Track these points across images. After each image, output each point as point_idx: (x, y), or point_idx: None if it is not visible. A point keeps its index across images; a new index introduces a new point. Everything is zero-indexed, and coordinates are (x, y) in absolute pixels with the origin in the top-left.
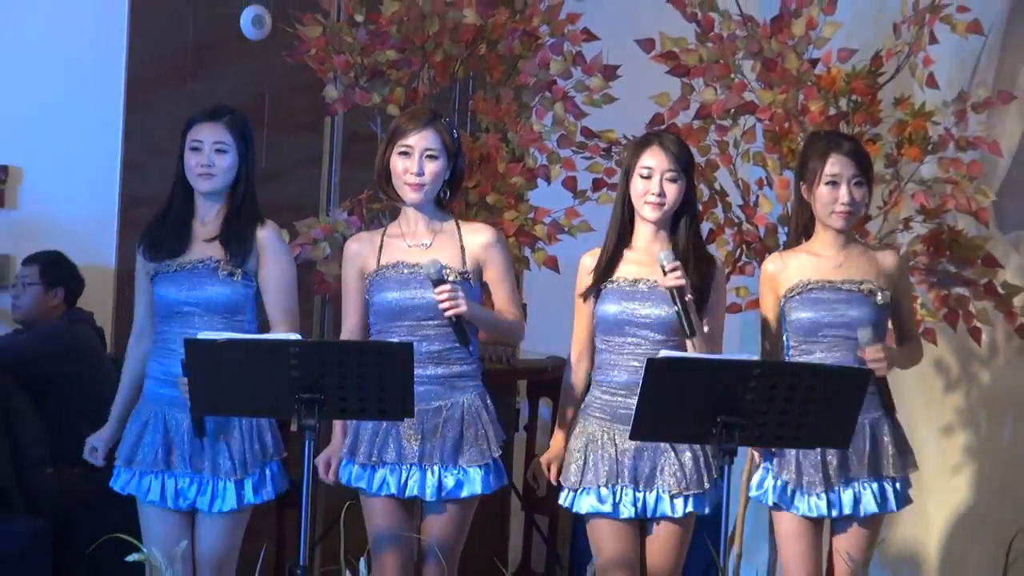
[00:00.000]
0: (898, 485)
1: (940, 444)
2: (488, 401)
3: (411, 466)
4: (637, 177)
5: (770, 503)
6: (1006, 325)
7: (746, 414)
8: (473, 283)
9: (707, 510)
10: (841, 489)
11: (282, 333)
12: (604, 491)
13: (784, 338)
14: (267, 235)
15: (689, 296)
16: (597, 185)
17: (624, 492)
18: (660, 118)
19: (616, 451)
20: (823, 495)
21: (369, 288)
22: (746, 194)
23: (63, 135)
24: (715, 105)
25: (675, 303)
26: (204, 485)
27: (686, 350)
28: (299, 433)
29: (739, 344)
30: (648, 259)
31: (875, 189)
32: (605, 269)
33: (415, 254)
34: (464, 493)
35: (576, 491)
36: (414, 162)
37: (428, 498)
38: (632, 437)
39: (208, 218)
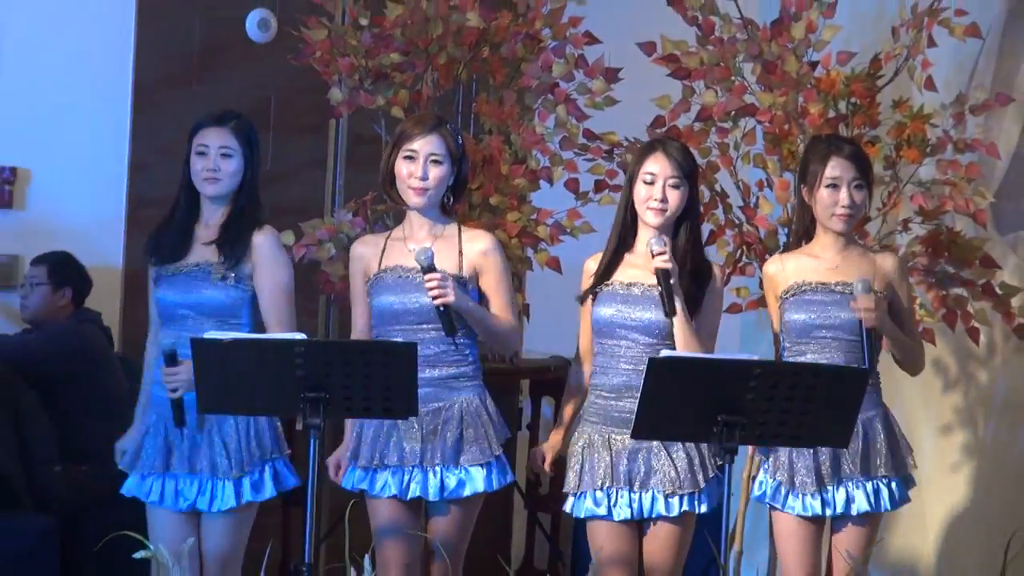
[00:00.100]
0: (893, 485)
1: (938, 443)
2: (488, 400)
3: (413, 468)
4: (640, 182)
5: (767, 502)
6: (1004, 325)
7: (746, 413)
8: (470, 288)
9: (703, 509)
10: (834, 489)
11: (286, 333)
12: (599, 494)
13: (782, 339)
14: (263, 240)
15: (674, 280)
16: (599, 187)
17: (620, 494)
18: (661, 120)
19: (611, 454)
20: (816, 495)
21: (370, 291)
22: (746, 196)
23: (71, 137)
24: (716, 107)
25: (659, 284)
26: (203, 485)
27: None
28: (304, 432)
29: (740, 344)
30: (647, 263)
31: (874, 191)
32: (604, 272)
33: (411, 258)
34: (466, 492)
35: (575, 495)
36: (418, 167)
37: (431, 498)
38: (633, 436)
39: (212, 221)
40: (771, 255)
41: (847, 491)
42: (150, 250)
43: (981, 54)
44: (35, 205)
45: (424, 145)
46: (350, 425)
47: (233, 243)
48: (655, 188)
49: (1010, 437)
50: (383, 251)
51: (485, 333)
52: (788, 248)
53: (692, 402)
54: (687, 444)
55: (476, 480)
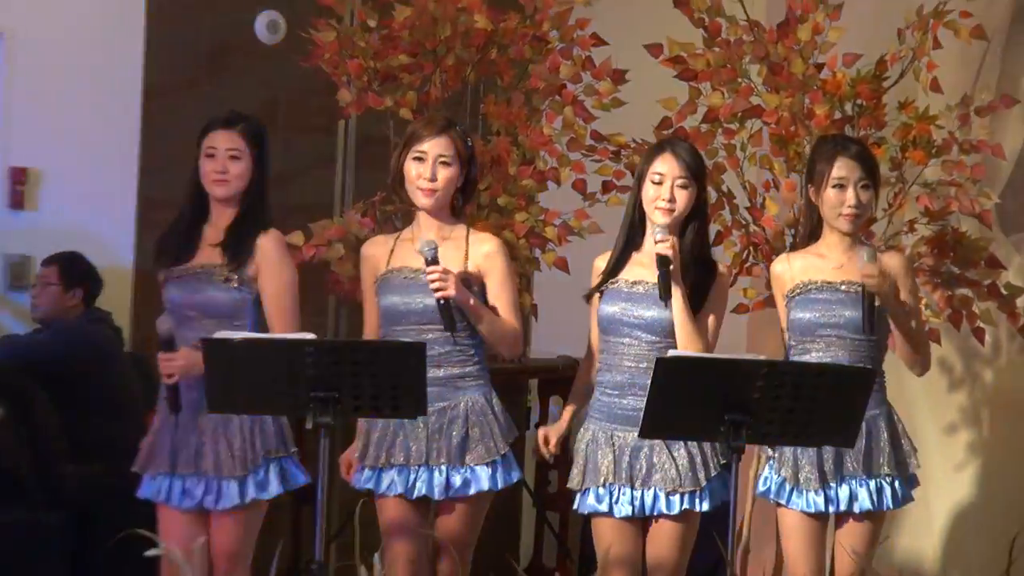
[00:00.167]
0: (896, 484)
1: (944, 442)
2: (494, 399)
3: (419, 467)
4: (649, 182)
5: (772, 499)
6: (1009, 325)
7: (753, 412)
8: (475, 288)
9: (704, 507)
10: (837, 486)
11: (296, 334)
12: (601, 490)
13: (788, 337)
14: (267, 243)
15: (673, 267)
16: (606, 187)
17: (622, 491)
18: (668, 121)
19: (614, 451)
20: (820, 491)
21: (377, 291)
22: (753, 196)
23: (82, 138)
24: (722, 109)
25: (657, 268)
26: (209, 484)
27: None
28: (313, 431)
29: (747, 345)
30: (653, 263)
31: (880, 192)
32: (611, 270)
33: (420, 259)
34: (472, 491)
35: (580, 492)
36: (427, 168)
37: (436, 497)
38: (641, 435)
39: (220, 223)
40: (777, 256)
41: (850, 488)
42: (155, 252)
43: (986, 55)
44: (46, 206)
45: (433, 146)
46: (362, 425)
47: (237, 245)
48: (663, 188)
49: (1015, 436)
50: (391, 251)
51: (487, 333)
52: (795, 247)
53: (699, 401)
54: (689, 443)
55: (482, 479)
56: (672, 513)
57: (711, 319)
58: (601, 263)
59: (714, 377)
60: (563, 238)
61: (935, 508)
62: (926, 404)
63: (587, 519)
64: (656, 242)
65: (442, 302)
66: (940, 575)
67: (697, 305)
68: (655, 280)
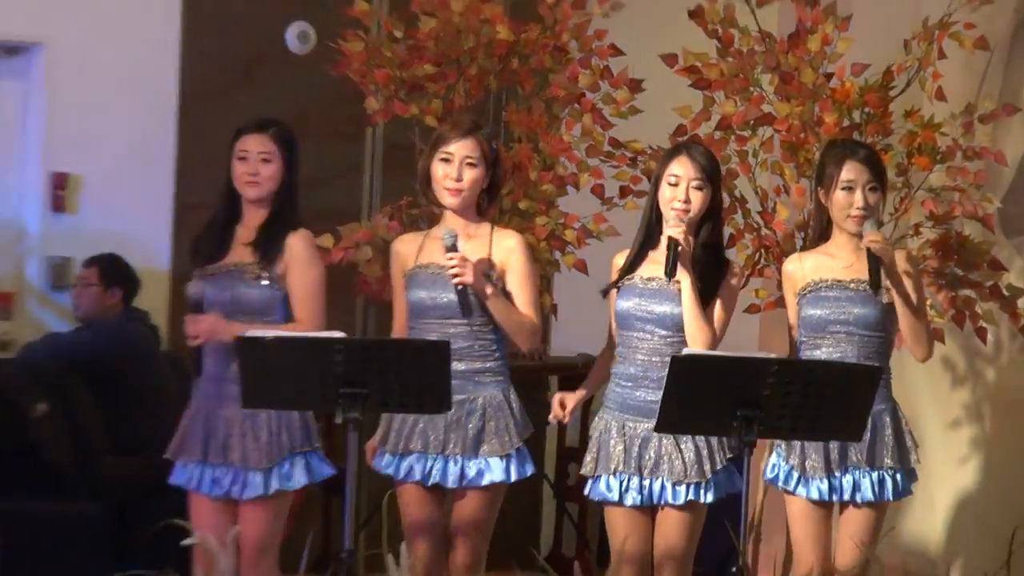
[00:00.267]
0: (898, 476)
1: (947, 437)
2: (512, 396)
3: (436, 455)
4: (665, 184)
5: (780, 486)
6: (1010, 325)
7: (764, 408)
8: (495, 279)
9: (709, 498)
10: (841, 475)
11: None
12: (612, 480)
13: (799, 334)
14: (296, 242)
15: (681, 248)
16: (623, 192)
17: (631, 480)
18: (683, 129)
19: (625, 440)
20: (825, 479)
21: (406, 285)
22: (764, 201)
23: (120, 144)
24: (735, 116)
25: (667, 249)
26: (236, 474)
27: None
28: (343, 426)
29: (758, 343)
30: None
31: (887, 197)
32: (628, 267)
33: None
34: (485, 481)
35: (592, 479)
36: (454, 168)
37: (450, 485)
38: (657, 429)
39: (251, 223)
40: (787, 257)
41: (854, 479)
42: (193, 251)
43: (989, 65)
44: (86, 210)
45: (460, 148)
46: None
47: (268, 244)
48: (679, 189)
49: (1015, 432)
50: (420, 248)
51: (505, 323)
52: (806, 248)
53: (713, 398)
54: (696, 436)
55: (495, 470)
56: (678, 503)
57: (719, 311)
58: (620, 260)
59: (727, 374)
60: (582, 241)
61: (938, 500)
62: (930, 400)
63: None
64: (668, 227)
65: (460, 287)
66: (943, 564)
67: (708, 296)
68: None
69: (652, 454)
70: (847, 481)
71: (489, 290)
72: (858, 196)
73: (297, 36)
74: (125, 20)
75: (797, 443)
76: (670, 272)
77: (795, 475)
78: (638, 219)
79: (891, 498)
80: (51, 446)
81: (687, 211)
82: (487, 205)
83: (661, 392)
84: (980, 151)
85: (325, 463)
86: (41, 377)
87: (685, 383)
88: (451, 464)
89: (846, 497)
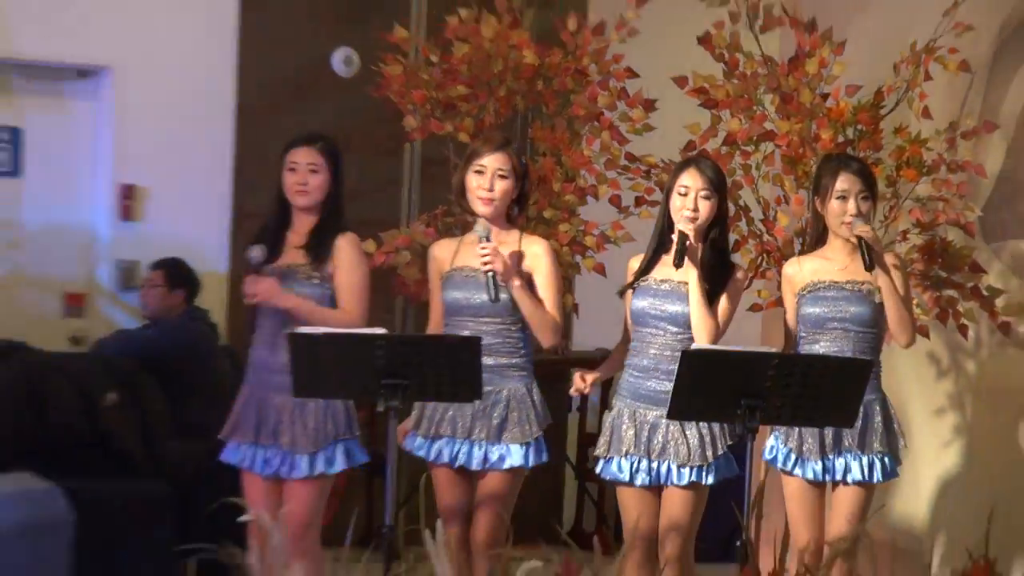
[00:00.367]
0: (886, 460)
1: (932, 424)
2: (535, 389)
3: (463, 440)
4: (676, 194)
5: (779, 467)
6: (989, 322)
7: (766, 398)
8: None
9: (710, 480)
10: (835, 458)
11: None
12: (624, 462)
13: (799, 331)
14: (344, 244)
15: (689, 241)
16: (638, 202)
17: (640, 462)
18: (692, 144)
19: (636, 426)
20: (819, 461)
21: (442, 285)
22: (766, 210)
23: (182, 158)
24: (740, 133)
25: (676, 242)
26: (285, 456)
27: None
28: (384, 413)
29: (760, 339)
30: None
31: (877, 206)
32: (643, 270)
33: (474, 229)
34: (506, 465)
35: (604, 459)
36: (487, 179)
37: (474, 467)
38: (669, 417)
39: (301, 228)
40: (787, 261)
41: (846, 461)
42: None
43: (971, 87)
44: (151, 218)
45: (492, 161)
46: None
47: (318, 246)
48: (688, 199)
49: (993, 418)
50: (455, 252)
51: (529, 316)
52: (804, 252)
53: (719, 388)
54: (700, 424)
55: (515, 456)
56: (682, 483)
57: (725, 302)
58: (635, 263)
59: (732, 367)
60: (600, 246)
61: (924, 480)
62: (917, 390)
63: None
64: (679, 225)
65: (490, 274)
66: (928, 539)
67: (715, 295)
68: (680, 279)
69: (660, 439)
70: (840, 463)
71: (516, 282)
72: (851, 205)
73: (342, 60)
74: (186, 46)
75: (795, 430)
76: (678, 262)
77: (792, 457)
78: (652, 226)
79: (880, 479)
80: (120, 432)
81: (695, 219)
82: (516, 214)
83: (670, 383)
84: (962, 164)
85: (362, 451)
86: (111, 370)
87: (694, 375)
88: (476, 448)
89: (838, 478)
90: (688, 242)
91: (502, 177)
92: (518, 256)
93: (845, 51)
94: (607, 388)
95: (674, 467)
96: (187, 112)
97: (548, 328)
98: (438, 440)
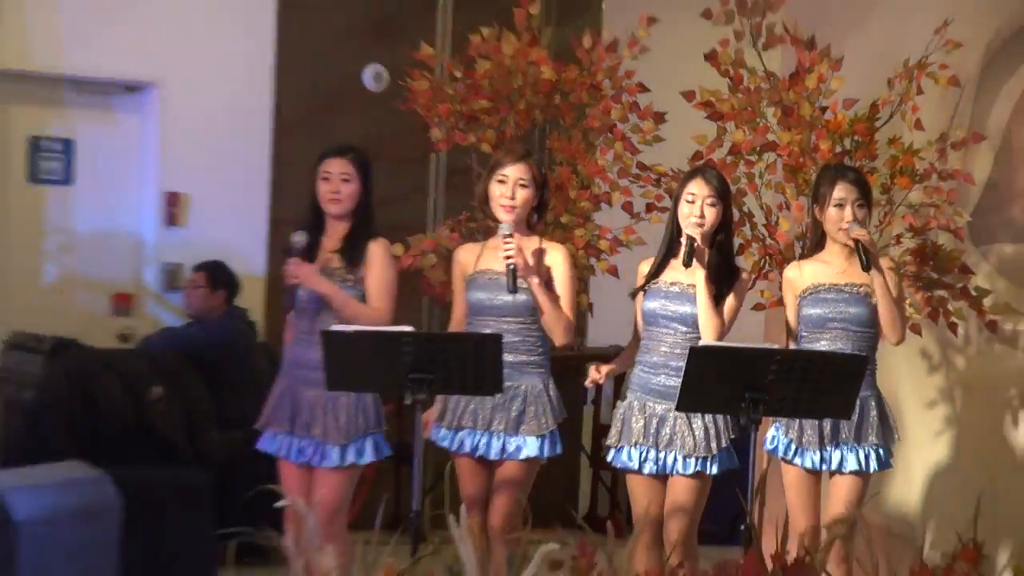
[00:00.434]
0: (880, 452)
1: (924, 415)
2: (551, 385)
3: (483, 431)
4: (684, 202)
5: (780, 456)
6: (978, 320)
7: (768, 391)
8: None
9: (714, 470)
10: (832, 449)
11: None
12: (633, 451)
13: (800, 330)
14: (376, 248)
15: (698, 244)
16: (649, 208)
17: (648, 452)
18: (699, 154)
19: (645, 418)
20: (817, 451)
21: (467, 287)
22: (768, 216)
23: (223, 169)
24: (744, 144)
25: (684, 243)
26: (317, 447)
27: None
28: (411, 405)
29: (763, 336)
30: (689, 267)
31: (872, 212)
32: (653, 273)
33: (502, 263)
34: (522, 456)
35: (615, 448)
36: (508, 188)
37: (492, 457)
38: (678, 409)
39: (335, 235)
40: (788, 264)
41: (842, 453)
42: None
43: (960, 100)
44: (194, 223)
45: (514, 171)
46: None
47: (352, 251)
48: (695, 206)
49: (981, 411)
50: (478, 256)
51: (546, 310)
52: (804, 256)
53: (725, 382)
54: (706, 417)
55: (531, 447)
56: (687, 473)
57: (732, 304)
58: (644, 267)
59: (737, 362)
60: (614, 249)
61: (916, 469)
62: (910, 384)
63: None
64: (687, 229)
65: (511, 266)
66: (920, 524)
67: (720, 295)
68: (689, 282)
69: (668, 431)
70: (836, 455)
71: (535, 280)
72: (848, 212)
73: (372, 76)
74: (226, 64)
75: (795, 422)
76: (687, 261)
77: (792, 447)
78: (661, 231)
79: (876, 469)
80: (164, 423)
81: (701, 225)
82: (536, 221)
83: (679, 379)
84: (952, 173)
85: (386, 445)
86: (157, 365)
87: (702, 370)
88: (495, 439)
89: (833, 468)
90: (696, 244)
91: (523, 186)
92: (539, 253)
93: (842, 67)
94: (619, 383)
95: (680, 457)
96: (228, 125)
97: (562, 326)
98: (460, 431)
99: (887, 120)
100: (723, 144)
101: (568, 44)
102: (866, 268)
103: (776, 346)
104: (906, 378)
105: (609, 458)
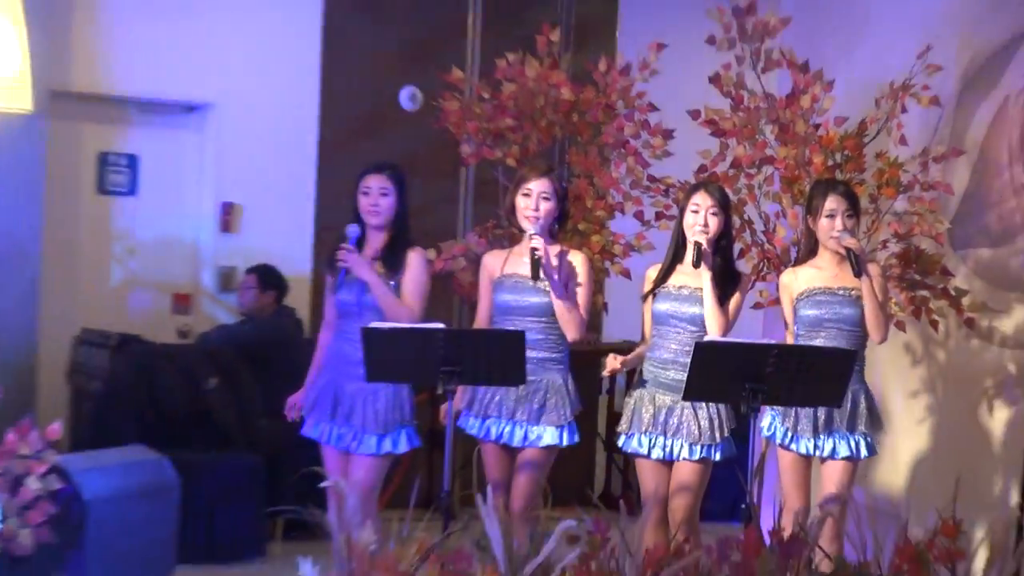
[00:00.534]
0: (869, 439)
1: (908, 405)
2: (570, 381)
3: (507, 420)
4: (689, 212)
5: (777, 442)
6: (957, 318)
7: (767, 382)
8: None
9: (717, 457)
10: (825, 436)
11: (428, 324)
12: (643, 438)
13: (796, 329)
14: (414, 256)
15: (704, 248)
16: (658, 216)
17: (656, 439)
18: (704, 167)
19: (655, 408)
20: (811, 439)
21: (493, 290)
22: (767, 223)
23: (272, 181)
24: (744, 158)
25: (693, 248)
26: (356, 434)
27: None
28: (443, 395)
29: (762, 332)
30: (693, 271)
31: (861, 220)
32: (661, 278)
33: (527, 268)
34: (542, 443)
35: (626, 435)
36: (532, 201)
37: (515, 444)
38: (684, 398)
39: (374, 244)
40: (785, 267)
41: (834, 440)
42: (326, 265)
43: (941, 118)
44: (246, 230)
45: (538, 185)
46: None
47: (392, 258)
48: (699, 216)
49: (960, 400)
50: (505, 261)
51: (559, 306)
52: (798, 262)
53: (727, 374)
54: (711, 408)
55: (551, 436)
56: (692, 459)
57: (736, 301)
58: (652, 272)
59: (738, 356)
60: (626, 253)
61: (900, 454)
62: (895, 376)
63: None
64: (694, 236)
65: (536, 254)
66: (904, 505)
67: (723, 296)
68: (695, 285)
69: (675, 420)
70: (828, 443)
71: (556, 276)
72: (838, 222)
73: (408, 97)
74: (276, 85)
75: (792, 411)
76: (696, 263)
77: (788, 434)
78: (669, 237)
79: (865, 455)
80: (219, 411)
81: (706, 232)
82: (558, 230)
83: (686, 373)
84: (934, 184)
85: (417, 437)
86: (213, 358)
87: (706, 363)
88: (517, 428)
89: (826, 455)
90: (703, 248)
91: (545, 199)
92: (562, 255)
93: (834, 88)
94: (631, 376)
95: (685, 444)
96: (277, 141)
97: (575, 322)
98: (487, 419)
99: (874, 136)
100: (726, 158)
101: (585, 68)
102: (858, 274)
103: (774, 341)
104: (891, 370)
105: (620, 443)
